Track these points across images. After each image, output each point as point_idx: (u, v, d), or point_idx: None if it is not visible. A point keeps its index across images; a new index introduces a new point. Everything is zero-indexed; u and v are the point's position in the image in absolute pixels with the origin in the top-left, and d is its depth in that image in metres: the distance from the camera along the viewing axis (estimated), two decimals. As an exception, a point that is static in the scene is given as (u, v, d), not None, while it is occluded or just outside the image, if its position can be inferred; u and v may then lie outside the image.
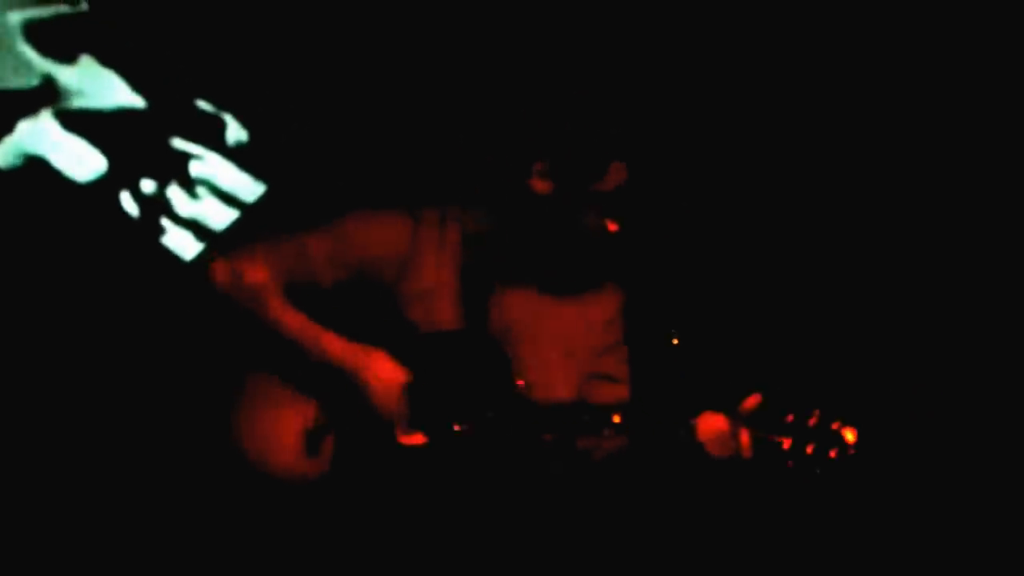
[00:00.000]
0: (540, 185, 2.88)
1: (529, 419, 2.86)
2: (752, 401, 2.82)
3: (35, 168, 3.56)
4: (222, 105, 3.70)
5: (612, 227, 2.90)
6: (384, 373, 2.81)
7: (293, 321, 2.85)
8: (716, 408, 2.84)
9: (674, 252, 3.67)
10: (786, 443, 2.79)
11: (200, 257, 2.96)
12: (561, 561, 2.94)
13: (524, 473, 2.87)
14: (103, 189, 3.61)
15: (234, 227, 3.50)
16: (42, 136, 3.55)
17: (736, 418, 2.81)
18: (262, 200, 3.64)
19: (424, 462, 2.82)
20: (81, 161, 3.59)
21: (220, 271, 2.89)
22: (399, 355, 2.85)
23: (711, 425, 2.81)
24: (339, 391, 2.82)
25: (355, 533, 2.83)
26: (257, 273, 2.88)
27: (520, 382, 2.87)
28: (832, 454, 2.77)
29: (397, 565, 2.84)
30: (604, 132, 2.87)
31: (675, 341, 2.99)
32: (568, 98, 2.92)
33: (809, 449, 2.78)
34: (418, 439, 2.84)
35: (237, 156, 3.71)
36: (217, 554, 3.01)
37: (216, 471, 2.87)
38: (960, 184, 3.63)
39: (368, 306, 2.92)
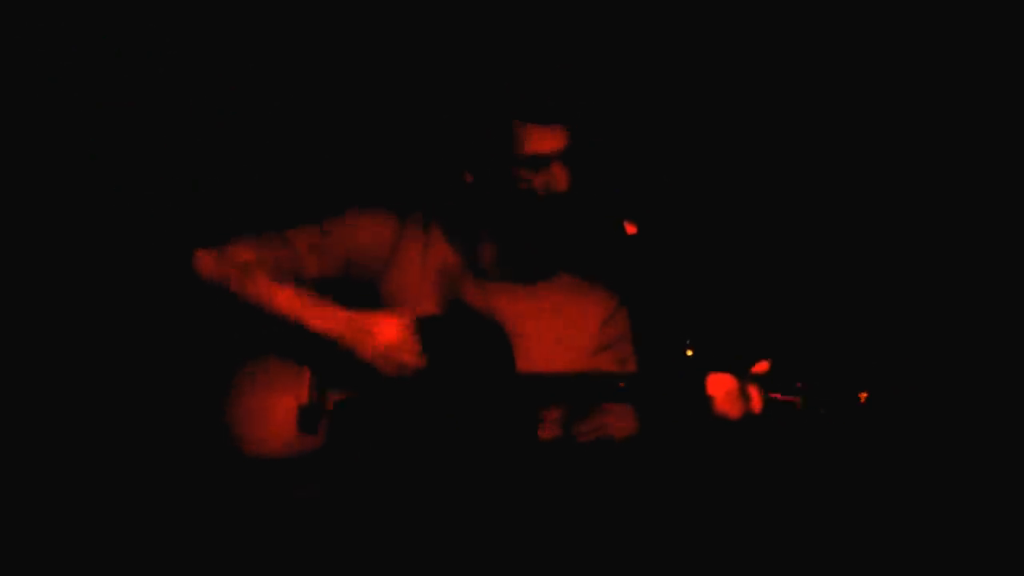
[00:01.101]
0: (467, 174, 2.89)
1: (534, 391, 2.81)
2: (761, 367, 2.77)
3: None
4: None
5: (631, 229, 2.86)
6: (392, 325, 2.76)
7: (285, 293, 2.79)
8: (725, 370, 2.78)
9: (672, 245, 3.63)
10: (798, 403, 2.75)
11: (185, 248, 2.88)
12: (559, 548, 2.90)
13: (525, 456, 2.83)
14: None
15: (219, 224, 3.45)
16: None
17: (745, 378, 2.76)
18: (247, 198, 3.63)
19: (421, 439, 2.77)
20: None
21: (206, 259, 2.86)
22: None
23: (721, 381, 2.75)
24: (340, 359, 2.77)
25: (353, 513, 2.77)
26: (244, 252, 2.85)
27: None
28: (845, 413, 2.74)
29: (395, 544, 2.78)
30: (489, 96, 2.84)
31: (689, 352, 2.93)
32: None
33: (821, 411, 2.75)
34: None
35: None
36: (212, 544, 2.92)
37: (209, 460, 2.81)
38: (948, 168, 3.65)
39: (352, 300, 2.87)
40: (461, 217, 2.94)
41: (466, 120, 2.87)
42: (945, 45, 3.60)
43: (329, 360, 2.77)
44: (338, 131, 3.70)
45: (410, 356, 2.76)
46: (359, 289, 2.88)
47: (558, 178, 2.79)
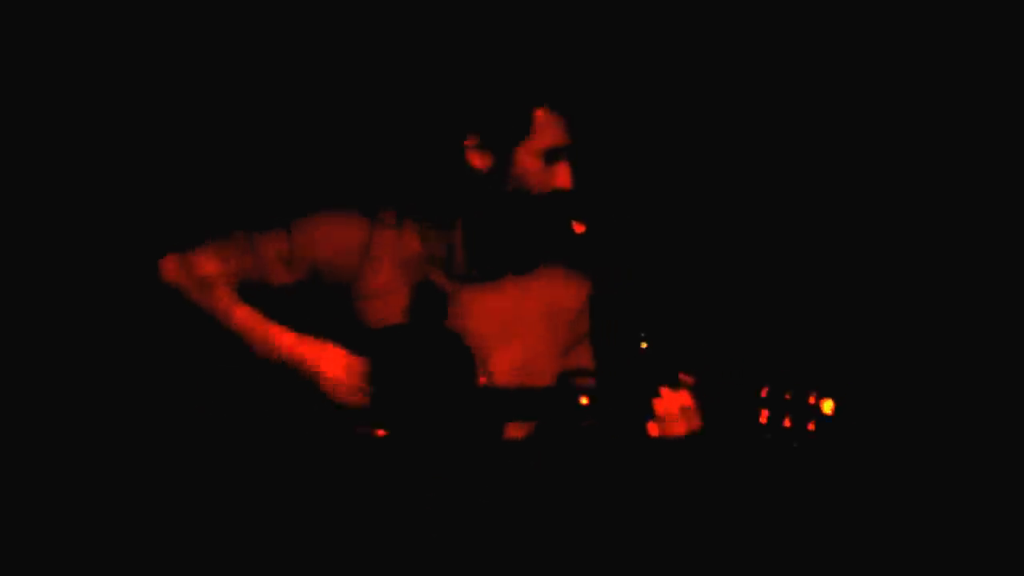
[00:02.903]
0: (477, 160, 2.83)
1: (495, 407, 2.78)
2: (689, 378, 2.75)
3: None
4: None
5: (579, 228, 2.81)
6: (339, 365, 2.75)
7: (243, 314, 2.79)
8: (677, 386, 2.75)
9: (639, 239, 3.62)
10: (763, 416, 2.69)
11: (150, 252, 2.87)
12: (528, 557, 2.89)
13: (489, 467, 2.81)
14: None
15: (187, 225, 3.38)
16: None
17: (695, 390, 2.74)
18: (216, 199, 3.57)
19: (384, 455, 2.76)
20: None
21: (170, 265, 2.85)
22: (354, 349, 2.79)
23: (672, 400, 2.72)
24: (291, 386, 2.76)
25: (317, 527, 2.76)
26: (207, 266, 2.83)
27: (483, 379, 2.80)
28: (810, 426, 2.68)
29: (360, 560, 2.77)
30: (519, 83, 2.80)
31: (644, 345, 2.87)
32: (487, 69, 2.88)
33: (787, 422, 2.69)
34: (379, 432, 2.76)
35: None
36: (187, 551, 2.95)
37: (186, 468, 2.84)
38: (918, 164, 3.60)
39: (322, 306, 2.87)
40: (439, 214, 2.91)
41: (479, 105, 2.83)
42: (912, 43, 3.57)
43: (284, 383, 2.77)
44: (317, 119, 3.66)
45: (353, 398, 2.75)
46: (329, 289, 2.86)
47: (565, 174, 2.78)
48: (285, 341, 2.77)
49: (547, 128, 2.78)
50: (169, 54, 3.57)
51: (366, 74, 3.65)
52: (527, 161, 2.79)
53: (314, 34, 3.62)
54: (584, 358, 2.97)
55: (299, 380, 2.76)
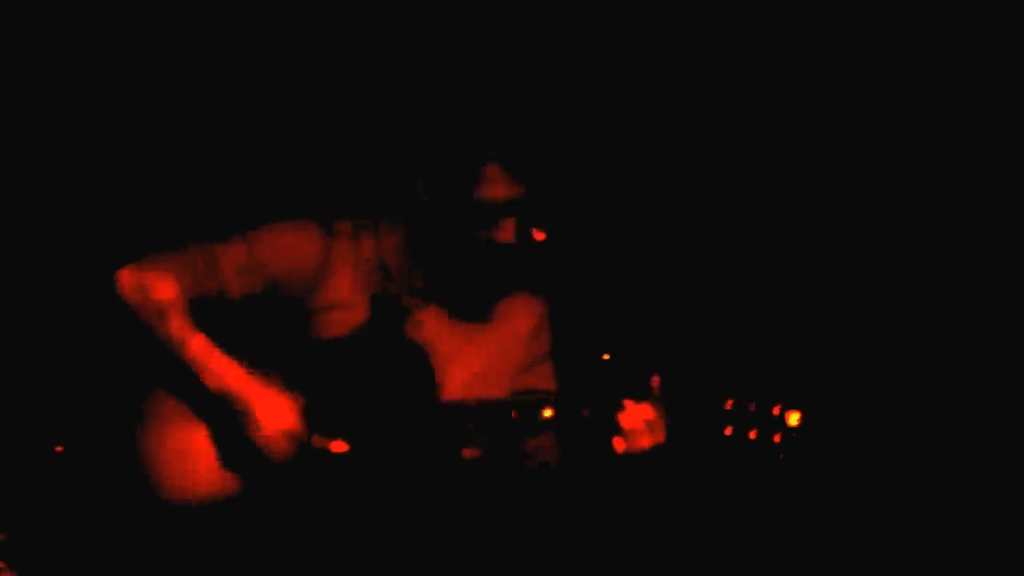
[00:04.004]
0: (424, 196, 2.82)
1: (454, 421, 2.76)
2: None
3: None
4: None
5: (539, 236, 2.77)
6: (272, 417, 2.73)
7: (194, 342, 2.76)
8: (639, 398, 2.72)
9: (596, 256, 3.60)
10: (727, 430, 2.66)
11: (107, 265, 2.83)
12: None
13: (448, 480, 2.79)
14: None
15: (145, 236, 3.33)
16: None
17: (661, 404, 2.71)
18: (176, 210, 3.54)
19: (339, 472, 2.73)
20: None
21: (127, 282, 2.80)
22: (308, 364, 2.76)
23: (636, 415, 2.69)
24: (231, 419, 2.74)
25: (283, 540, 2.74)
26: (164, 289, 2.79)
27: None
28: (776, 438, 2.65)
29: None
30: (469, 134, 2.79)
31: (606, 356, 2.84)
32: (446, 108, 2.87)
33: (752, 435, 2.66)
34: (340, 446, 2.74)
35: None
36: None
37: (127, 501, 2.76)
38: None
39: (278, 319, 2.85)
40: (393, 229, 2.88)
41: (427, 149, 2.83)
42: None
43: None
44: (277, 133, 3.64)
45: (276, 447, 2.72)
46: (286, 303, 2.84)
47: (508, 231, 2.74)
48: (230, 377, 2.74)
49: (495, 183, 2.75)
50: (126, 70, 3.54)
51: (328, 90, 3.63)
52: (471, 210, 2.75)
53: (274, 52, 3.60)
54: (544, 378, 2.95)
55: (236, 416, 2.74)
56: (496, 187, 2.74)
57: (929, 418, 3.48)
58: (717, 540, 3.54)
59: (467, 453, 2.80)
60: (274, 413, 2.73)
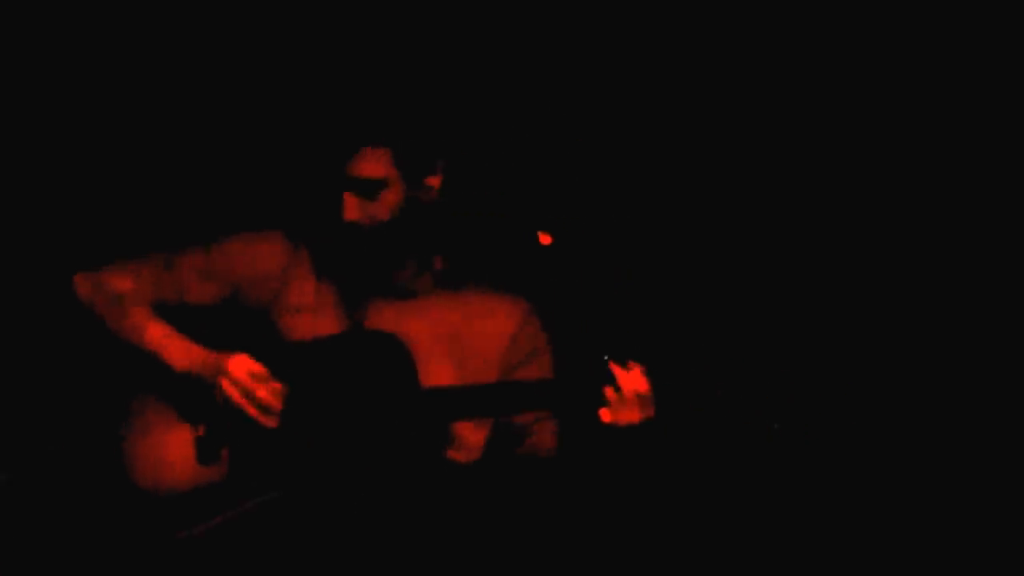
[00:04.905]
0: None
1: (443, 406, 2.71)
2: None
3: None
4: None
5: (545, 240, 2.73)
6: (240, 372, 2.68)
7: (156, 331, 2.75)
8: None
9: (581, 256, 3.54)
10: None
11: (65, 271, 2.85)
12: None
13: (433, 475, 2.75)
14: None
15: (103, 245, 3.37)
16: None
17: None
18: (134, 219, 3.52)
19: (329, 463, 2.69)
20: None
21: (82, 282, 2.82)
22: (284, 364, 2.73)
23: (626, 385, 2.65)
24: (208, 401, 2.71)
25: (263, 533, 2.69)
26: (121, 282, 2.80)
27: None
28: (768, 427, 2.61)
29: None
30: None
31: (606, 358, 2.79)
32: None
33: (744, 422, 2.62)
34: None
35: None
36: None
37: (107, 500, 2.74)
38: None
39: (243, 325, 2.83)
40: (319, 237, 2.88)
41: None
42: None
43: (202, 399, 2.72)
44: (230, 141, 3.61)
45: (258, 405, 2.68)
46: (249, 308, 2.83)
47: (379, 207, 2.74)
48: (195, 356, 2.72)
49: (356, 160, 2.74)
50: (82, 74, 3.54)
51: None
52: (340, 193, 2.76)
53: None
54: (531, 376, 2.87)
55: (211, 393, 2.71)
56: (362, 163, 2.73)
57: (918, 408, 3.45)
58: (709, 526, 3.49)
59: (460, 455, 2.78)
60: (240, 368, 2.68)
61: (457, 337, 2.84)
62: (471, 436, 2.81)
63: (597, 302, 3.40)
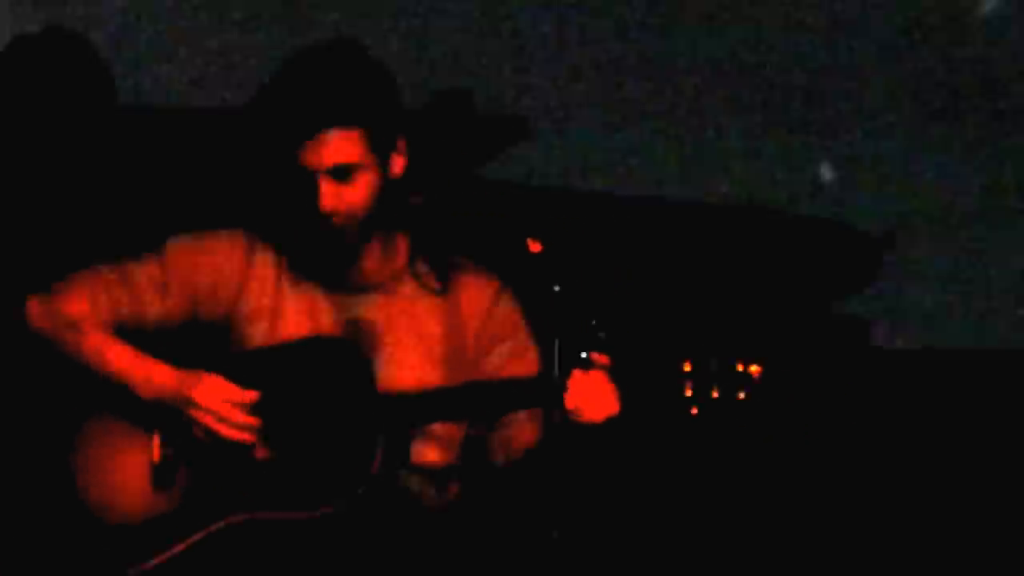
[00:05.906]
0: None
1: (398, 412, 2.62)
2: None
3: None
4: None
5: (534, 247, 2.67)
6: (212, 395, 2.61)
7: (117, 352, 2.65)
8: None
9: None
10: (687, 390, 2.52)
11: (18, 295, 2.74)
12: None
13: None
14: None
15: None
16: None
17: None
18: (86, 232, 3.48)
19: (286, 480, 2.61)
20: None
21: (35, 309, 2.71)
22: (244, 375, 2.65)
23: (588, 386, 2.55)
24: (177, 422, 2.63)
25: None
26: (75, 304, 2.69)
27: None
28: (740, 396, 2.51)
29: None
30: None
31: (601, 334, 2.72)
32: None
33: (714, 393, 2.52)
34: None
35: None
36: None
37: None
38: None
39: (204, 337, 2.73)
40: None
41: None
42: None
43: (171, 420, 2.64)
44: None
45: (234, 426, 2.62)
46: (209, 319, 2.72)
47: (356, 192, 2.63)
48: (164, 378, 2.63)
49: (324, 145, 2.62)
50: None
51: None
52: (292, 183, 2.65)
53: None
54: (505, 360, 2.75)
55: (183, 415, 2.63)
56: (310, 151, 2.61)
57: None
58: (683, 512, 3.43)
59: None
60: (213, 391, 2.61)
61: (430, 331, 2.74)
62: (445, 431, 2.71)
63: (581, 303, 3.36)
